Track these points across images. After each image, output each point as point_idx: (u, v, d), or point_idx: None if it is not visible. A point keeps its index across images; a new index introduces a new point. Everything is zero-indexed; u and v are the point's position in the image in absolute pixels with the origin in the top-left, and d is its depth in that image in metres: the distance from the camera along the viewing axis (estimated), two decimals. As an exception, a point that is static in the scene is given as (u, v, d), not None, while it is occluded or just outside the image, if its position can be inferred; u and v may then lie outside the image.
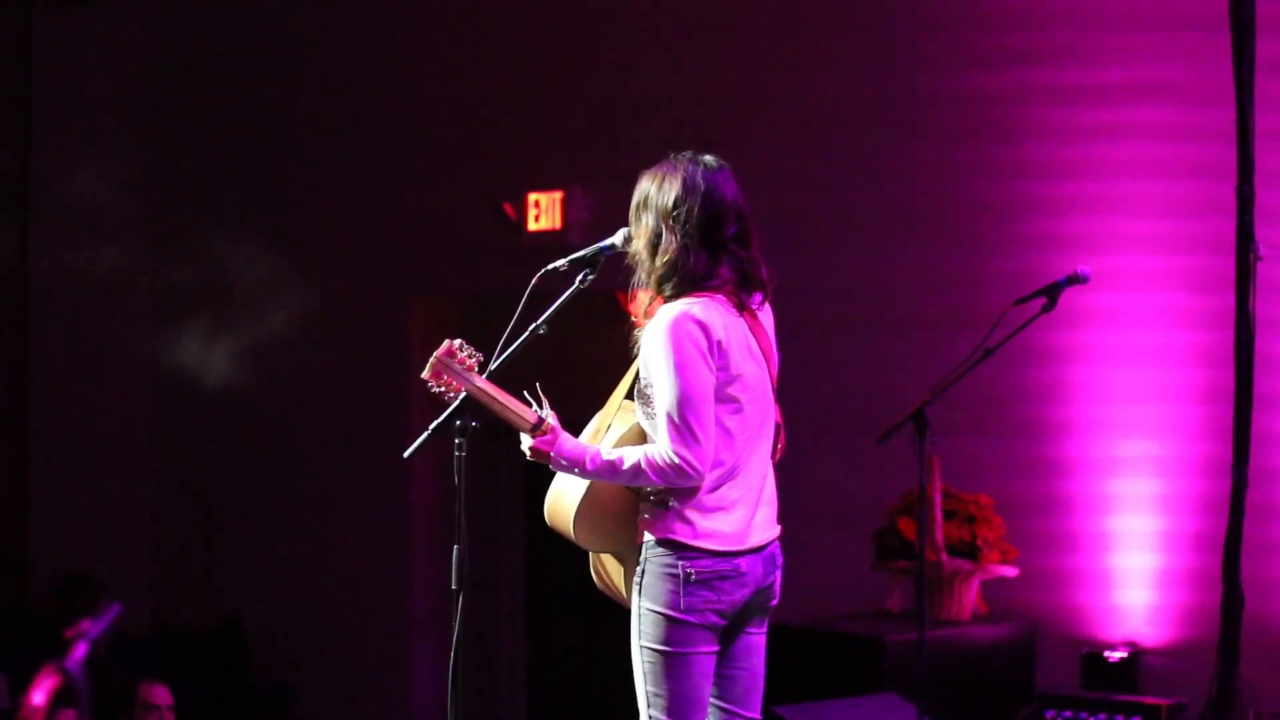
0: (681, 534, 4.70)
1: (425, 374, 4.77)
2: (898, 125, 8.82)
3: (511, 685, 10.48)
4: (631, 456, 4.68)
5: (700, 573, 4.70)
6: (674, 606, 4.70)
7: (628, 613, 4.87)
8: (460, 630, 4.72)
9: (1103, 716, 7.61)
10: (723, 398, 4.70)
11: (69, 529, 10.95)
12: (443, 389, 4.76)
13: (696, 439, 4.63)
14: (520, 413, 4.77)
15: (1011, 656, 8.03)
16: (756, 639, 4.89)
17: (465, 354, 4.76)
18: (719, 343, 4.67)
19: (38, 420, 11.09)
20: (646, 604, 4.74)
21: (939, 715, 6.71)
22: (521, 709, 10.49)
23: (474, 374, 4.77)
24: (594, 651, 9.88)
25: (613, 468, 4.71)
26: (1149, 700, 7.68)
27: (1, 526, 11.15)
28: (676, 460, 4.63)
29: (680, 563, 4.69)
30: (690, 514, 4.71)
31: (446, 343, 4.76)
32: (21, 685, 7.33)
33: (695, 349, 4.64)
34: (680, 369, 4.63)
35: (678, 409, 4.63)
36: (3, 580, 10.62)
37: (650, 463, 4.65)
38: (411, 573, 10.22)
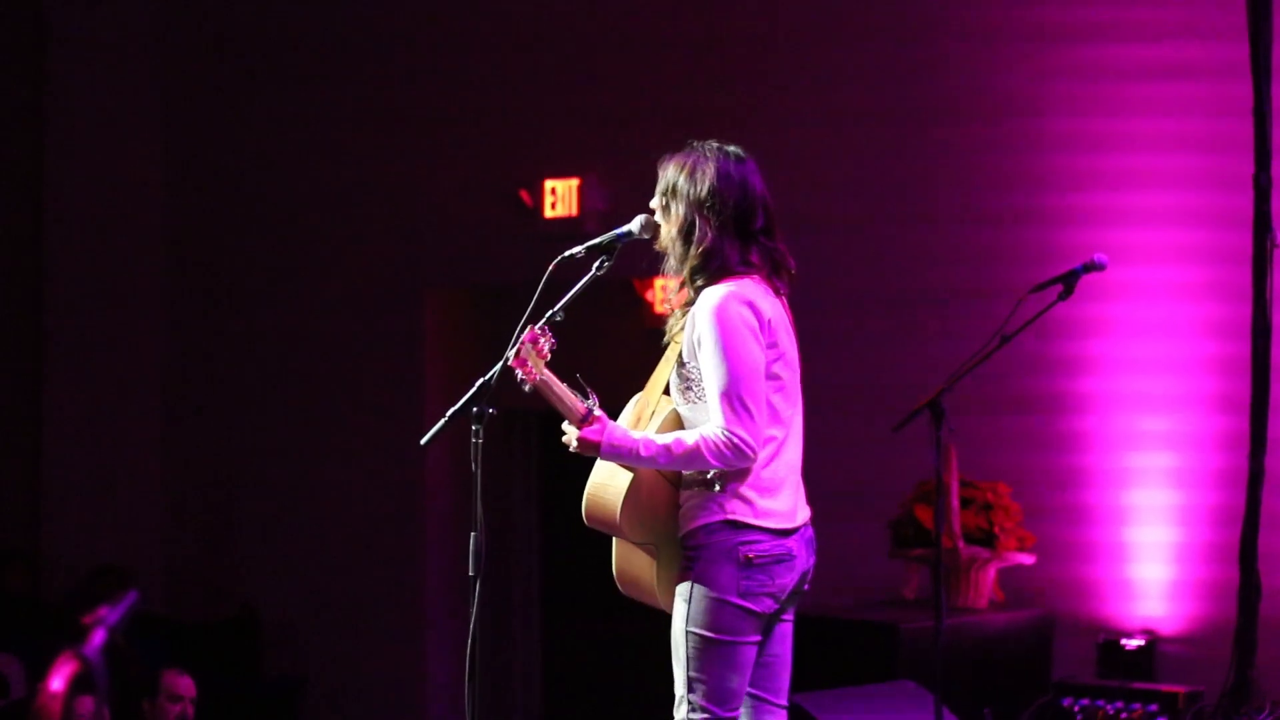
0: (741, 513, 4.71)
1: (512, 361, 4.72)
2: (912, 129, 8.80)
3: (527, 675, 10.47)
4: (688, 439, 4.68)
5: (759, 557, 4.71)
6: (732, 591, 4.70)
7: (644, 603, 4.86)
8: (477, 617, 4.71)
9: (1119, 704, 7.59)
10: (770, 375, 4.72)
11: (82, 519, 10.96)
12: (521, 377, 4.73)
13: (751, 417, 4.64)
14: (572, 404, 4.77)
15: (1028, 644, 8.02)
16: (787, 626, 4.91)
17: (544, 342, 4.73)
18: (768, 321, 4.71)
19: (51, 410, 11.09)
20: (702, 589, 4.73)
21: (956, 703, 6.70)
22: (537, 698, 10.49)
23: (543, 364, 4.75)
24: (610, 640, 9.87)
25: (668, 452, 4.69)
26: (1166, 688, 7.66)
27: (14, 516, 11.17)
28: (734, 439, 4.63)
29: (740, 547, 4.70)
30: (747, 492, 4.72)
31: (530, 329, 4.73)
32: (37, 673, 7.35)
33: (746, 328, 4.67)
34: (733, 349, 4.65)
35: (733, 388, 4.64)
36: (16, 569, 10.62)
37: (707, 444, 4.64)
38: (426, 563, 10.21)
